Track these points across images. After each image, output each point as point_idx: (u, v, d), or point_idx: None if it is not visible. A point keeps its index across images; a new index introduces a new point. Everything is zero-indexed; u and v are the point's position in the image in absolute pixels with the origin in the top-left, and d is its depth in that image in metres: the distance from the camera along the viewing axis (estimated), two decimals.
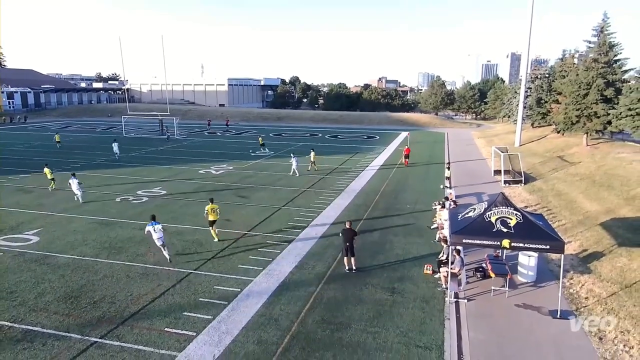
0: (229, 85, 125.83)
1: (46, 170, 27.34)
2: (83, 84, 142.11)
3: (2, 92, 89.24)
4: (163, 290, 13.92)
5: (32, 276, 14.79)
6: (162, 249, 16.04)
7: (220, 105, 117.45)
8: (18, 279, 14.58)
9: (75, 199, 24.24)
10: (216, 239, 18.21)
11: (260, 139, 48.40)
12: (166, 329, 11.75)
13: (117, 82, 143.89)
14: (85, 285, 14.23)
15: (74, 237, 18.54)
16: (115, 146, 39.90)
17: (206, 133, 63.59)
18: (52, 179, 27.22)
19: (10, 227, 19.76)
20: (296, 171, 32.40)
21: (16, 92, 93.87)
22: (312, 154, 34.56)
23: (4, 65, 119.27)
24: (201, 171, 33.97)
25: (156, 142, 51.47)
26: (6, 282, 14.34)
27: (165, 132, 57.49)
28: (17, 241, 18.04)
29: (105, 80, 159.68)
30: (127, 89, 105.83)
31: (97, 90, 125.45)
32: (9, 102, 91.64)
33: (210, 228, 18.37)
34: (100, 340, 11.21)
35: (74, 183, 23.93)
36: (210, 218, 18.14)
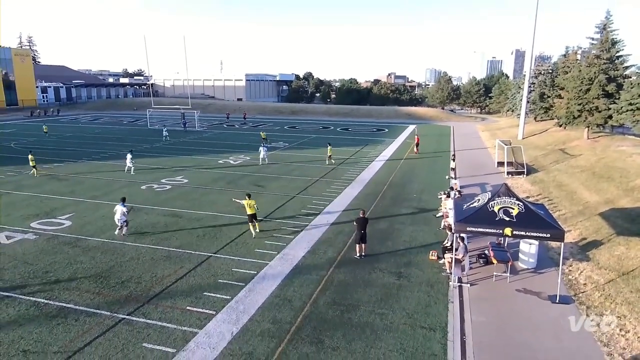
0: (246, 80, 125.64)
1: (30, 156, 28.20)
2: (111, 79, 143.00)
3: (37, 87, 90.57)
4: (185, 272, 14.10)
5: (65, 257, 15.09)
6: (119, 225, 17.17)
7: (238, 99, 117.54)
8: (52, 260, 14.90)
9: (125, 170, 28.87)
10: (253, 233, 17.47)
11: (262, 133, 46.64)
12: (188, 308, 11.92)
13: (142, 78, 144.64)
14: (114, 266, 14.49)
15: (103, 222, 18.82)
16: (164, 131, 47.64)
17: (225, 125, 63.77)
18: (34, 167, 27.92)
19: (45, 212, 20.15)
20: (265, 159, 32.71)
21: (49, 87, 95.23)
22: (329, 147, 33.38)
23: (39, 62, 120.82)
24: (220, 161, 34.15)
25: (178, 134, 51.79)
26: (42, 262, 14.67)
27: (186, 123, 57.79)
28: (51, 225, 18.40)
29: (131, 75, 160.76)
30: (152, 84, 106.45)
31: (124, 85, 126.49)
32: (43, 96, 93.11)
33: (249, 223, 17.58)
34: (127, 317, 11.43)
35: (128, 158, 29.11)
36: (249, 212, 17.34)
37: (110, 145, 41.90)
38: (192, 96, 76.49)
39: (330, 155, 33.09)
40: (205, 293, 12.73)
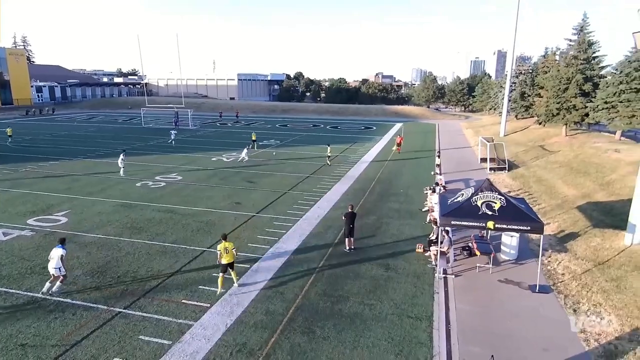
0: (238, 80, 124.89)
1: None
2: (105, 79, 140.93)
3: (32, 86, 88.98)
4: (180, 266, 14.03)
5: None
6: (52, 278, 11.94)
7: (230, 98, 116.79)
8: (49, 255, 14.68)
9: (121, 172, 26.86)
10: (219, 290, 12.32)
11: (253, 134, 42.39)
12: (183, 301, 11.87)
13: (136, 77, 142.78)
14: (110, 261, 14.35)
15: (99, 218, 18.63)
16: (172, 134, 43.47)
17: (218, 124, 63.33)
18: None
19: (41, 209, 19.86)
20: (245, 157, 32.26)
21: (44, 86, 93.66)
22: (329, 148, 32.09)
23: (33, 62, 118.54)
24: (213, 159, 33.95)
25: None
26: (39, 258, 14.45)
27: (177, 122, 57.10)
28: (48, 222, 18.14)
29: (125, 75, 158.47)
30: (146, 84, 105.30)
31: (118, 84, 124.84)
32: (38, 96, 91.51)
33: (221, 274, 12.40)
34: (124, 310, 11.35)
35: (120, 158, 27.22)
36: (224, 261, 12.29)
37: (105, 143, 41.38)
38: (185, 95, 75.75)
39: (329, 156, 31.92)
40: (200, 286, 12.68)
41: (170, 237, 16.60)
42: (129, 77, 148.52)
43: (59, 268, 11.94)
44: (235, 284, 12.63)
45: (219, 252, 12.27)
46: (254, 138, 41.32)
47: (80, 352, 9.63)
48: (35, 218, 18.56)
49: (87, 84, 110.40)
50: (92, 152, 35.61)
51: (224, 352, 9.74)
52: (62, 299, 11.82)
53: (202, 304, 11.73)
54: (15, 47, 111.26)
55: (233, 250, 12.38)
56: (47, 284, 12.04)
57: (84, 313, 11.17)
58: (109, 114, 76.93)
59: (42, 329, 10.46)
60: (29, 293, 12.15)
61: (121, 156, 27.38)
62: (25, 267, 13.78)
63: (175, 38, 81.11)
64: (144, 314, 11.17)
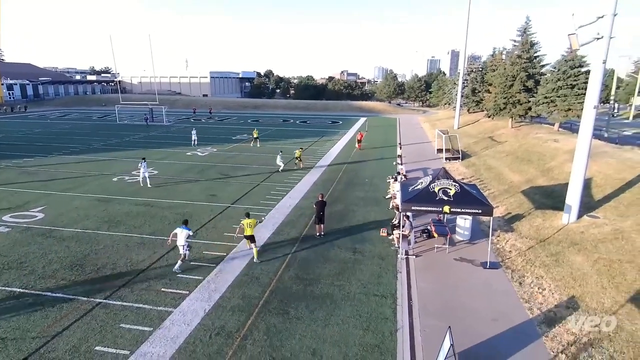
0: (211, 77, 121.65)
1: None
2: (78, 77, 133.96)
3: (2, 84, 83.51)
4: (158, 257, 13.70)
5: (40, 248, 14.23)
6: (182, 256, 12.73)
7: (203, 95, 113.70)
8: (26, 250, 14.01)
9: (141, 182, 22.75)
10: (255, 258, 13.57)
11: (255, 131, 39.26)
12: (162, 289, 11.63)
13: (109, 75, 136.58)
14: (89, 254, 13.83)
15: (76, 213, 17.86)
16: (193, 134, 37.61)
17: (192, 120, 61.68)
18: None
19: (17, 205, 18.83)
20: (280, 164, 27.29)
21: (15, 84, 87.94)
22: (297, 151, 29.15)
23: (3, 59, 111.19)
24: (188, 153, 33.13)
25: (147, 128, 49.67)
26: (16, 253, 13.76)
27: (148, 119, 55.10)
28: (24, 217, 17.24)
29: (98, 73, 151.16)
30: (119, 81, 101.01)
31: (91, 82, 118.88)
32: (9, 94, 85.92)
33: (247, 241, 13.85)
34: (104, 301, 11.00)
35: (142, 166, 22.60)
36: (247, 233, 13.60)
37: (80, 140, 39.52)
38: (159, 92, 73.21)
39: (299, 158, 28.53)
40: (179, 275, 12.44)
41: (148, 229, 16.15)
42: (102, 75, 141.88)
43: (185, 246, 12.62)
44: (256, 260, 13.51)
45: (241, 225, 13.56)
46: (255, 135, 38.56)
47: (62, 342, 9.29)
48: (11, 214, 17.59)
49: (60, 81, 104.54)
50: (67, 149, 33.96)
51: (203, 335, 9.65)
52: (41, 292, 11.32)
53: (181, 291, 11.53)
54: None
55: (252, 226, 13.52)
56: (179, 262, 12.70)
57: (64, 305, 10.75)
58: (82, 111, 73.41)
59: (21, 322, 10.00)
60: (6, 288, 11.57)
61: (140, 164, 22.99)
62: (2, 263, 13.07)
63: (148, 38, 78.01)
64: (124, 303, 10.87)
